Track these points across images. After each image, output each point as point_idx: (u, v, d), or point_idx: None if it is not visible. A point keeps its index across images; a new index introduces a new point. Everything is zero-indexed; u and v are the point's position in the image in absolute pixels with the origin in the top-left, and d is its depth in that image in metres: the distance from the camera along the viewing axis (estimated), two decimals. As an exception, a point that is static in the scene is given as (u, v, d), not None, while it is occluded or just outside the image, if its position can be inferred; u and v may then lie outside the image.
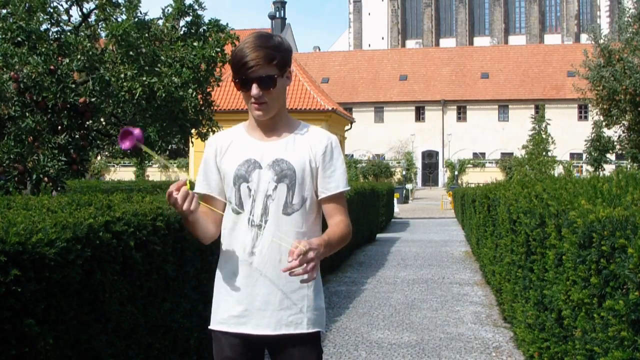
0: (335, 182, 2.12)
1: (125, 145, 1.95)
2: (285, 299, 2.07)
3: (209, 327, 2.19)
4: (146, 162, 16.93)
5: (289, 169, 2.07)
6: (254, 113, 2.07)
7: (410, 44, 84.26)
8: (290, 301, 2.07)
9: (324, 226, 2.18)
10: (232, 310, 2.10)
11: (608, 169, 26.79)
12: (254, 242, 2.06)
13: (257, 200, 2.07)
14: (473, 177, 44.27)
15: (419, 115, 55.86)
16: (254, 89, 2.00)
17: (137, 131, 1.96)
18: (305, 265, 1.85)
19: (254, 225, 2.06)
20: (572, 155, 46.90)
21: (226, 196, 2.15)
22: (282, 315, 2.06)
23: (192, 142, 12.65)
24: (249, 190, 2.08)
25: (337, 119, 29.92)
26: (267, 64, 1.98)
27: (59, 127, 7.66)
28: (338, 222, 2.12)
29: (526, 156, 30.24)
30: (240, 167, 2.09)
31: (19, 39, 8.06)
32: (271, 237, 2.05)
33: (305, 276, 1.88)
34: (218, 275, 2.19)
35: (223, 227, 2.17)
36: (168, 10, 10.35)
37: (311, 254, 1.86)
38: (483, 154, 52.45)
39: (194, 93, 9.75)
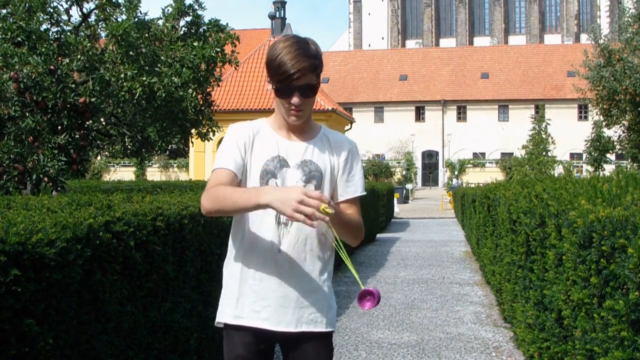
0: (354, 186, 2.19)
1: (367, 306, 2.00)
2: (308, 297, 2.11)
3: (224, 322, 2.14)
4: (146, 162, 16.93)
5: (316, 171, 2.13)
6: (289, 118, 2.10)
7: (410, 44, 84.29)
8: (312, 299, 2.11)
9: None
10: (255, 305, 2.09)
11: (608, 169, 26.76)
12: (281, 239, 2.08)
13: None
14: (473, 177, 44.26)
15: (419, 115, 55.86)
16: (296, 98, 2.03)
17: (376, 291, 2.01)
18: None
19: (281, 223, 2.09)
20: (572, 155, 46.88)
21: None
22: (304, 312, 2.10)
23: (192, 142, 12.66)
24: (277, 187, 2.09)
25: (337, 119, 29.92)
26: (310, 73, 2.02)
27: (59, 127, 7.65)
28: (349, 213, 2.17)
29: (526, 156, 30.24)
30: (269, 163, 2.11)
31: (19, 39, 8.06)
32: (297, 234, 2.08)
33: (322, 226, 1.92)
34: (235, 269, 2.14)
35: (242, 220, 2.13)
36: (168, 10, 10.36)
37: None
38: (483, 154, 52.45)
39: (194, 93, 9.75)
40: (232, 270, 2.16)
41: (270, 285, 2.08)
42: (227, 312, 2.14)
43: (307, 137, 2.17)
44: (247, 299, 2.10)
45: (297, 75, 1.99)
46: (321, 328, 2.13)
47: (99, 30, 10.09)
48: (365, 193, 2.24)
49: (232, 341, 2.14)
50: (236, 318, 2.11)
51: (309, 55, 2.02)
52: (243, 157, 2.12)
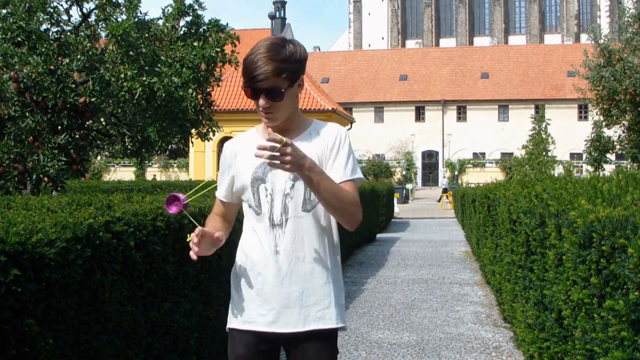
0: (343, 171, 2.11)
1: (172, 210, 2.03)
2: (312, 295, 2.10)
3: (234, 327, 2.18)
4: (146, 162, 16.94)
5: None
6: (262, 120, 2.14)
7: (410, 44, 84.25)
8: (316, 297, 2.11)
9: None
10: (261, 309, 2.11)
11: (608, 169, 26.74)
12: (277, 241, 2.10)
13: (275, 199, 2.10)
14: (473, 177, 44.24)
15: (419, 115, 55.84)
16: (261, 100, 2.04)
17: (182, 196, 2.05)
18: (274, 153, 1.85)
19: (275, 225, 2.10)
20: (572, 155, 46.86)
21: (243, 199, 2.20)
22: (310, 311, 2.10)
23: (192, 142, 12.66)
24: (266, 191, 2.12)
25: (337, 119, 29.92)
26: (276, 77, 2.00)
27: (59, 127, 7.66)
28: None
29: (526, 156, 30.24)
30: (257, 170, 2.13)
31: (19, 39, 8.06)
32: (293, 234, 2.08)
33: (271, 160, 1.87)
34: (240, 275, 2.18)
35: (245, 228, 2.20)
36: (168, 10, 10.37)
37: (288, 149, 1.87)
38: (483, 154, 52.43)
39: (194, 93, 9.76)
40: (237, 276, 2.20)
41: (272, 288, 2.10)
42: (237, 318, 2.17)
43: (294, 136, 2.15)
44: (253, 303, 2.13)
45: (260, 77, 1.99)
46: (330, 325, 2.12)
47: (99, 30, 10.10)
48: (357, 177, 2.14)
49: (234, 341, 2.17)
50: (245, 323, 2.14)
51: (277, 59, 1.99)
52: (231, 178, 2.21)
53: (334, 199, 2.01)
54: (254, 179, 2.13)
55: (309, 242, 2.11)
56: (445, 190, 34.79)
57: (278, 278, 2.09)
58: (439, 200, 34.00)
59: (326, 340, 2.14)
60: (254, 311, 2.12)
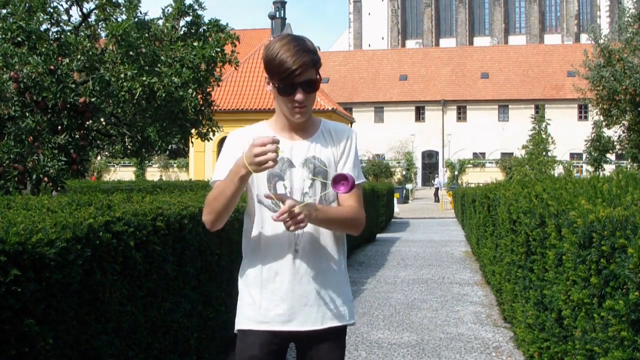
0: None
1: (341, 189, 2.00)
2: (328, 292, 2.13)
3: (247, 328, 2.13)
4: (146, 162, 16.96)
5: (321, 166, 2.13)
6: (294, 117, 2.10)
7: (410, 44, 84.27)
8: (332, 295, 2.13)
9: None
10: (278, 308, 2.09)
11: (608, 169, 26.71)
12: (297, 239, 2.10)
13: (294, 197, 2.08)
14: (473, 177, 44.23)
15: (419, 115, 55.86)
16: (299, 94, 2.03)
17: (349, 175, 2.01)
18: (290, 218, 1.90)
19: None
20: (572, 155, 46.86)
21: (253, 194, 2.15)
22: (327, 308, 2.12)
23: (192, 142, 12.66)
24: (285, 189, 2.11)
25: (337, 119, 29.91)
26: (311, 67, 2.03)
27: (59, 127, 7.65)
28: (347, 205, 2.16)
29: (526, 156, 30.22)
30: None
31: (19, 39, 8.05)
32: (312, 232, 2.10)
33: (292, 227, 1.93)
34: (253, 275, 2.14)
35: (255, 225, 2.15)
36: (168, 10, 10.36)
37: (296, 210, 1.91)
38: (483, 154, 52.43)
39: (194, 93, 9.75)
40: (250, 276, 2.15)
41: (290, 287, 2.09)
42: (250, 318, 2.12)
43: (309, 134, 2.17)
44: (269, 303, 2.10)
45: (299, 71, 1.99)
46: (344, 321, 2.15)
47: (99, 30, 10.09)
48: (363, 180, 2.22)
49: (246, 341, 2.13)
50: (260, 323, 2.11)
51: (308, 51, 2.02)
52: None
53: (336, 225, 2.10)
54: (270, 174, 2.10)
55: (325, 240, 2.13)
56: (437, 190, 34.84)
57: (297, 276, 2.09)
58: (438, 201, 34.07)
59: (339, 336, 2.17)
60: (271, 311, 2.10)
